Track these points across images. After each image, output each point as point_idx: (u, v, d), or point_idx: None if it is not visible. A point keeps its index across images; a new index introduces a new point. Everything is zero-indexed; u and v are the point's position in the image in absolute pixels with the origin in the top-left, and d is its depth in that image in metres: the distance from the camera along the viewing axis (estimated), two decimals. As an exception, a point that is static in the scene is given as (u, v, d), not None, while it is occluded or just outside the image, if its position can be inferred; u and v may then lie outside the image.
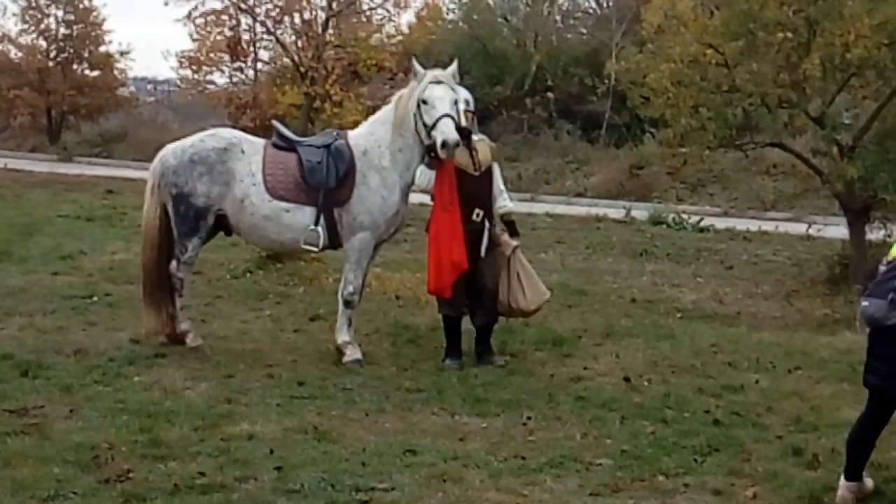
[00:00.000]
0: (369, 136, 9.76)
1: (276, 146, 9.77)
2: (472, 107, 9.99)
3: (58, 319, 10.62)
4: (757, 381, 9.42)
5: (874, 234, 15.20)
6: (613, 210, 23.10)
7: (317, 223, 9.55)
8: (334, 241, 9.73)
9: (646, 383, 9.31)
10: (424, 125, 9.41)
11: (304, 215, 9.56)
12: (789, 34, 14.23)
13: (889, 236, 14.59)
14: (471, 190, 9.64)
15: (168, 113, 38.24)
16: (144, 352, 9.54)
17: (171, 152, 9.84)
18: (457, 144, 9.27)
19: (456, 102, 9.51)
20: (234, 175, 9.58)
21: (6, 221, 17.15)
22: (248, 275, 13.41)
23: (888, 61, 13.93)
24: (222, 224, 9.89)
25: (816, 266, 16.26)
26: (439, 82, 9.50)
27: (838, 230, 16.64)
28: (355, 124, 24.36)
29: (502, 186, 10.02)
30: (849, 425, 7.96)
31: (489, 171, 9.83)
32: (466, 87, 10.13)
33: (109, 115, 35.25)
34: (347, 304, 9.71)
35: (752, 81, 14.22)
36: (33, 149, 33.07)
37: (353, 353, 9.58)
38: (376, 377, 9.14)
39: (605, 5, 35.79)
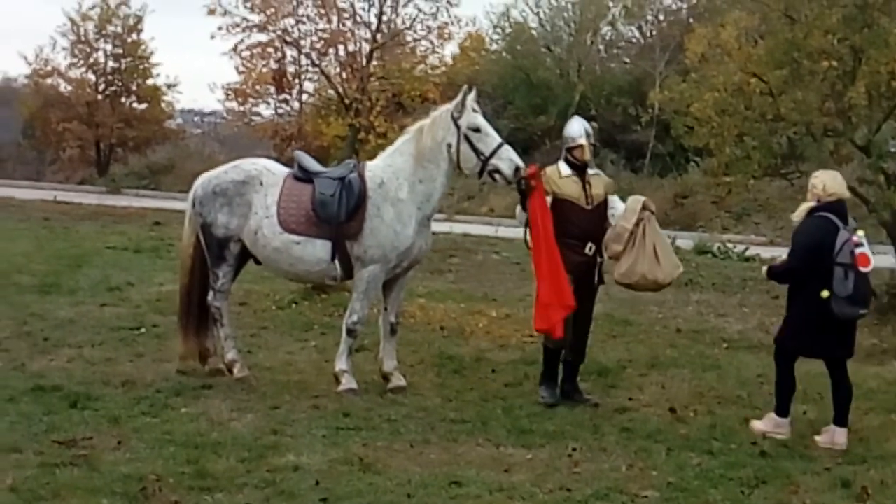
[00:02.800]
0: (387, 168, 9.72)
1: (296, 178, 9.81)
2: (592, 139, 9.81)
3: (106, 351, 10.73)
4: (804, 412, 9.35)
5: (922, 263, 15.04)
6: (658, 239, 22.94)
7: (333, 258, 9.55)
8: (349, 274, 9.73)
9: (692, 414, 9.27)
10: (478, 153, 9.40)
11: (314, 248, 9.57)
12: (834, 63, 14.16)
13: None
14: (583, 224, 9.47)
15: (214, 144, 38.63)
16: (191, 383, 9.61)
17: (201, 182, 10.04)
18: (518, 169, 9.32)
19: (588, 134, 9.67)
20: (251, 207, 9.70)
21: (55, 253, 17.36)
22: (294, 306, 13.50)
23: (935, 89, 13.83)
24: (250, 254, 10.00)
25: (864, 295, 16.08)
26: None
27: (886, 259, 16.48)
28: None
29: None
30: (898, 457, 7.92)
31: (601, 205, 9.61)
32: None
33: (157, 147, 35.67)
34: (350, 332, 9.72)
35: (797, 110, 14.15)
36: (82, 181, 33.47)
37: (348, 383, 9.58)
38: (421, 408, 9.15)
39: (648, 34, 35.79)
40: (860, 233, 8.53)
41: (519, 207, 9.63)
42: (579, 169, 9.60)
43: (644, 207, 9.39)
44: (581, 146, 9.63)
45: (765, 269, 9.16)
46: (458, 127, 9.48)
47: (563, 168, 9.66)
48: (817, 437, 8.58)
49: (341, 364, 9.69)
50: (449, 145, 9.52)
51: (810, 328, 8.53)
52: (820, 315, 8.40)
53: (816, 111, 14.25)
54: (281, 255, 9.68)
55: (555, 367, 9.69)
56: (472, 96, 9.59)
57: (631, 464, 7.77)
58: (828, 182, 8.64)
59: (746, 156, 14.58)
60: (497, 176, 9.43)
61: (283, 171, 9.98)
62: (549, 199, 9.50)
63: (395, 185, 9.59)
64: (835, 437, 8.53)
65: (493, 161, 9.37)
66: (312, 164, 10.01)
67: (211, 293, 9.96)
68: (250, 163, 10.19)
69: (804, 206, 8.68)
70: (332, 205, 9.50)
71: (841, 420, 8.59)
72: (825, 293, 8.32)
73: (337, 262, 9.58)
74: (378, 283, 9.69)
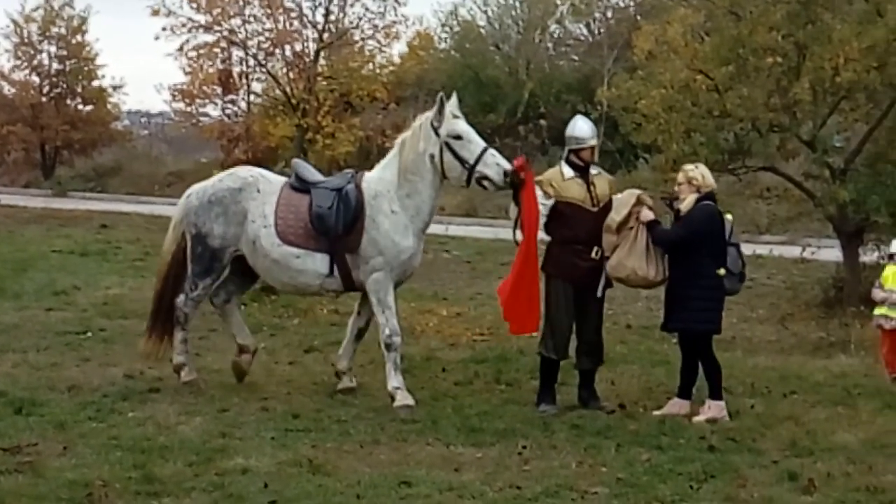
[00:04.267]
0: (380, 181, 9.42)
1: (293, 187, 9.52)
2: (597, 140, 9.60)
3: (52, 356, 10.61)
4: (752, 406, 9.43)
5: (868, 256, 15.19)
6: (608, 236, 23.01)
7: (331, 271, 9.29)
8: (349, 286, 9.47)
9: (641, 410, 9.31)
10: (463, 161, 9.11)
11: (314, 261, 9.31)
12: (779, 59, 14.29)
13: (882, 259, 14.58)
14: (589, 226, 9.19)
15: (162, 146, 38.31)
16: (138, 387, 9.52)
17: (196, 192, 9.76)
18: (507, 173, 9.02)
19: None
20: (247, 215, 9.43)
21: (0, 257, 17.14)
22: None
23: (878, 84, 13.98)
24: (247, 267, 9.68)
25: (811, 289, 16.25)
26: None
27: (832, 253, 16.64)
28: (348, 155, 24.52)
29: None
30: (844, 449, 8.01)
31: (607, 206, 9.33)
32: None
33: (103, 149, 35.29)
34: (388, 347, 9.32)
35: (743, 106, 14.26)
36: (27, 184, 33.08)
37: (403, 399, 9.18)
38: (371, 408, 9.12)
39: (596, 32, 35.90)
40: (728, 216, 9.41)
41: (512, 204, 9.32)
42: (582, 170, 9.35)
43: (638, 201, 9.25)
44: (591, 148, 9.42)
45: (649, 214, 9.17)
46: (438, 136, 9.18)
47: (566, 170, 9.37)
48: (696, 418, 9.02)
49: (393, 382, 9.27)
50: (432, 156, 9.21)
51: (712, 307, 9.13)
52: (716, 292, 9.09)
53: (762, 107, 14.37)
54: (280, 268, 9.43)
55: (553, 379, 9.47)
56: (452, 102, 9.31)
57: (581, 460, 7.78)
58: (706, 174, 9.33)
59: (694, 152, 14.63)
60: (486, 183, 9.11)
61: (280, 179, 9.71)
62: (551, 202, 9.25)
63: (388, 198, 9.30)
64: (716, 412, 9.01)
65: (480, 168, 9.03)
66: (310, 173, 9.70)
67: (182, 297, 9.69)
68: (246, 170, 9.96)
69: (692, 197, 9.16)
70: (329, 218, 9.22)
71: (717, 393, 9.14)
72: (722, 271, 9.03)
73: (337, 275, 9.32)
74: (388, 288, 9.35)
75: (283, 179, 9.71)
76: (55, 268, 16.47)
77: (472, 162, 9.06)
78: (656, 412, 9.15)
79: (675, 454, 7.94)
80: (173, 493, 6.83)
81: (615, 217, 9.19)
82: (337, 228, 9.20)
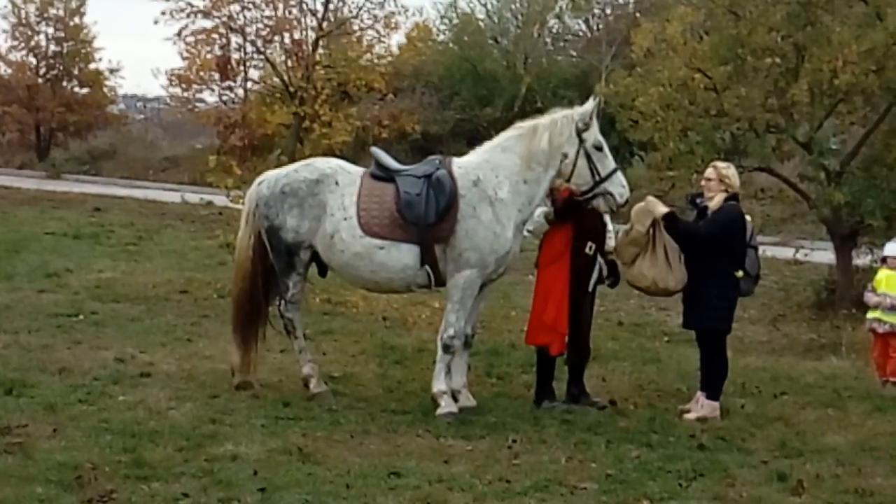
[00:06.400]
0: (484, 164, 8.92)
1: (374, 176, 9.00)
2: None
3: (43, 337, 10.57)
4: (742, 406, 9.44)
5: (861, 259, 15.23)
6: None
7: (422, 263, 8.80)
8: (439, 280, 8.92)
9: (631, 407, 9.32)
10: (595, 173, 8.83)
11: (400, 253, 8.78)
12: (777, 60, 14.33)
13: (875, 262, 14.63)
14: (588, 222, 9.17)
15: (157, 131, 38.33)
16: (129, 371, 9.49)
17: (266, 181, 9.25)
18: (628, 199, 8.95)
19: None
20: (326, 209, 8.91)
21: (-7, 238, 17.12)
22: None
23: (875, 87, 14.04)
24: (317, 261, 9.22)
25: (803, 291, 16.30)
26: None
27: (825, 255, 16.69)
28: (344, 145, 24.42)
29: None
30: (834, 451, 8.03)
31: None
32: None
33: (98, 132, 35.35)
34: (446, 348, 8.88)
35: (741, 106, 14.30)
36: (21, 165, 33.08)
37: (447, 406, 8.77)
38: (362, 398, 9.11)
39: (595, 28, 35.96)
40: (749, 218, 9.40)
41: (543, 216, 9.17)
42: None
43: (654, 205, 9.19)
44: None
45: (662, 209, 9.07)
46: (581, 140, 8.86)
47: None
48: (687, 415, 9.05)
49: (439, 385, 8.88)
50: (565, 155, 8.87)
51: (729, 307, 9.21)
52: (733, 293, 9.14)
53: (759, 107, 14.43)
54: (362, 262, 8.87)
55: (551, 375, 9.40)
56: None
57: (570, 456, 7.77)
58: (735, 175, 9.33)
59: (690, 150, 14.70)
60: (606, 198, 8.88)
61: (359, 170, 9.18)
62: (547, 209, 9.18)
63: (494, 183, 8.82)
64: (709, 411, 9.04)
65: (606, 184, 8.83)
66: (392, 161, 9.16)
67: (283, 304, 9.24)
68: (323, 161, 9.48)
69: (721, 196, 9.12)
70: (419, 205, 8.71)
71: (715, 394, 9.17)
72: (740, 273, 9.06)
73: (427, 267, 8.83)
74: (474, 291, 8.91)
75: (361, 170, 9.17)
76: (48, 250, 16.45)
77: (603, 176, 8.86)
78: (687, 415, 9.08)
79: (665, 452, 7.95)
80: (163, 478, 6.81)
81: (640, 229, 9.09)
82: (427, 216, 8.71)
